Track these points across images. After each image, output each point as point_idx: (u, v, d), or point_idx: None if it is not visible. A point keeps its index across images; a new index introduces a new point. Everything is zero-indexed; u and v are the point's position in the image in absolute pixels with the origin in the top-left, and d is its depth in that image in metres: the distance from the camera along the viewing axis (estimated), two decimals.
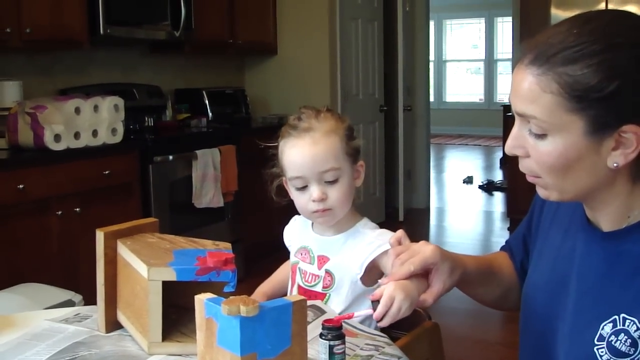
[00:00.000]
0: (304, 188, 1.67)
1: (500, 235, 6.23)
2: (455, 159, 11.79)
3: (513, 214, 5.99)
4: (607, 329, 1.15)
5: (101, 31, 4.18)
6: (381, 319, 1.31)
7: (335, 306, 1.69)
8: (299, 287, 1.76)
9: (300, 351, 1.20)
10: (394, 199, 6.83)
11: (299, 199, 1.69)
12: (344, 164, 1.67)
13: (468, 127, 14.62)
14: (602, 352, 1.15)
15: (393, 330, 1.77)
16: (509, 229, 6.02)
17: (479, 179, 9.08)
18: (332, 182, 1.66)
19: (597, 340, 1.16)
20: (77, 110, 3.78)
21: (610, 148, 1.10)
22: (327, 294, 1.71)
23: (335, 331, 1.29)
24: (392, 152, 6.82)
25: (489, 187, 8.55)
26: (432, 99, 9.10)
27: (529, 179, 1.21)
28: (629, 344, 1.13)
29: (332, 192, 1.66)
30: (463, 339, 3.79)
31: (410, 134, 7.12)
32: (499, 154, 10.92)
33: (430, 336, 1.70)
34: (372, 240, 1.67)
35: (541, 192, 1.21)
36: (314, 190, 1.65)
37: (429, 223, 7.00)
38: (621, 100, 1.06)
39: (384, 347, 1.44)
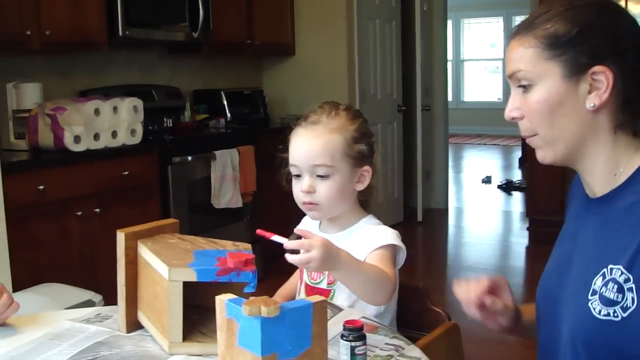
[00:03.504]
0: (298, 177, 1.72)
1: (520, 236, 6.20)
2: (473, 158, 11.75)
3: (532, 214, 5.96)
4: (598, 282, 1.23)
5: (120, 33, 4.20)
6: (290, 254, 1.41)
7: (340, 302, 1.71)
8: (306, 285, 1.79)
9: (320, 351, 1.21)
10: (412, 199, 6.82)
11: (294, 188, 1.74)
12: (340, 163, 1.69)
13: (486, 127, 14.56)
14: (595, 304, 1.22)
15: (413, 331, 1.77)
16: (528, 229, 5.99)
17: (497, 179, 9.04)
18: (323, 178, 1.69)
19: (591, 295, 1.23)
20: (97, 112, 3.80)
21: (586, 91, 1.25)
22: (332, 290, 1.74)
23: (356, 332, 1.29)
24: (411, 153, 6.81)
25: (507, 187, 8.50)
26: (450, 98, 9.05)
27: (528, 141, 1.34)
28: (616, 290, 1.19)
29: (320, 187, 1.69)
30: (483, 340, 3.78)
31: (429, 134, 7.10)
32: (518, 154, 10.87)
33: (450, 336, 1.70)
34: (368, 236, 1.70)
35: (538, 155, 1.34)
36: (304, 181, 1.70)
37: (448, 223, 6.97)
38: (585, 43, 1.24)
39: (403, 348, 1.44)
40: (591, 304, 1.22)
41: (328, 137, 1.68)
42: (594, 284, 1.23)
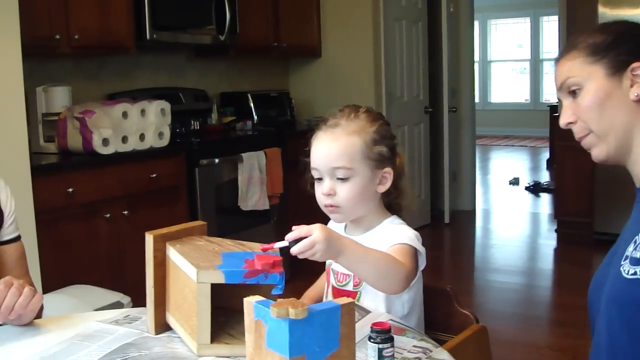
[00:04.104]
0: (320, 180, 1.73)
1: (548, 237, 6.15)
2: (501, 160, 11.67)
3: (560, 215, 5.91)
4: (630, 249, 1.36)
5: (147, 36, 4.23)
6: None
7: (367, 304, 1.71)
8: (333, 287, 1.79)
9: (348, 354, 1.21)
10: (439, 201, 6.79)
11: (316, 191, 1.75)
12: (359, 166, 1.69)
13: (514, 128, 14.47)
14: (626, 267, 1.34)
15: (440, 333, 1.77)
16: (556, 230, 5.94)
17: (525, 180, 8.98)
18: (343, 180, 1.69)
19: (623, 261, 1.36)
20: (125, 115, 3.83)
21: (629, 86, 1.41)
22: (358, 292, 1.73)
23: (384, 334, 1.29)
24: (438, 154, 6.78)
25: (535, 189, 8.44)
26: (477, 99, 8.97)
27: (583, 143, 1.48)
28: None
29: (341, 190, 1.70)
30: (511, 343, 3.76)
31: (456, 135, 7.07)
32: (546, 155, 10.78)
33: (478, 339, 1.70)
34: (388, 234, 1.70)
35: (593, 153, 1.48)
36: (325, 184, 1.71)
37: (475, 225, 6.94)
38: (621, 46, 1.43)
39: (431, 351, 1.44)
40: (622, 267, 1.35)
41: (347, 140, 1.69)
42: (627, 251, 1.36)
